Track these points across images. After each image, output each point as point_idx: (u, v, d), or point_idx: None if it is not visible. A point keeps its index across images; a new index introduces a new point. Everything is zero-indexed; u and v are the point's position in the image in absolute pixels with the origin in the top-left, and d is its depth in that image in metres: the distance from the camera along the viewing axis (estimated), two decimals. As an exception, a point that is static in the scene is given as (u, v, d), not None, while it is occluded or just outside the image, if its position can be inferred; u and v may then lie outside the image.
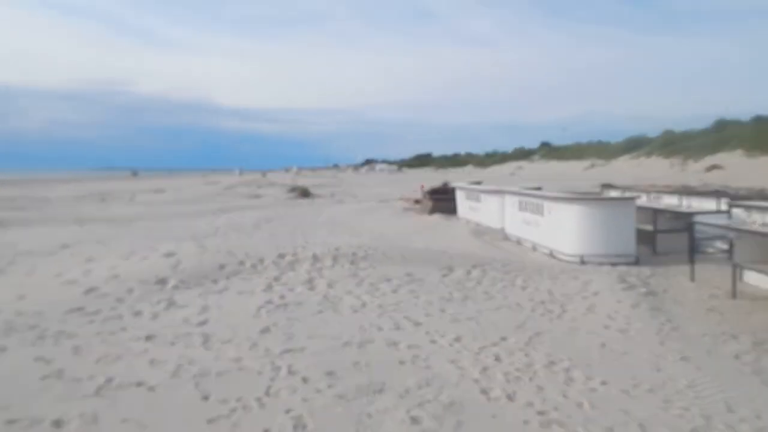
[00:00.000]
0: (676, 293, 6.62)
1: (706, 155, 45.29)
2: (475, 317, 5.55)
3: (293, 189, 27.89)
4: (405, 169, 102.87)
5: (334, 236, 11.23)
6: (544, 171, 64.41)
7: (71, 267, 7.59)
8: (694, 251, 7.80)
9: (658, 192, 12.00)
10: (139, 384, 3.85)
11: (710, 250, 8.84)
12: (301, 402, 3.57)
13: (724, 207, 8.62)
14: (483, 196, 13.29)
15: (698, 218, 8.18)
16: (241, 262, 7.65)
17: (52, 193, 28.26)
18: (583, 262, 8.40)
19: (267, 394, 3.70)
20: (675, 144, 52.67)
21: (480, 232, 12.08)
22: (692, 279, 7.29)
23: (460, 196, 15.25)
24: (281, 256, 7.99)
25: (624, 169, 50.85)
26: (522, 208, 10.53)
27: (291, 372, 4.07)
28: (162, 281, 6.78)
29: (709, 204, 9.40)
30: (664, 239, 9.40)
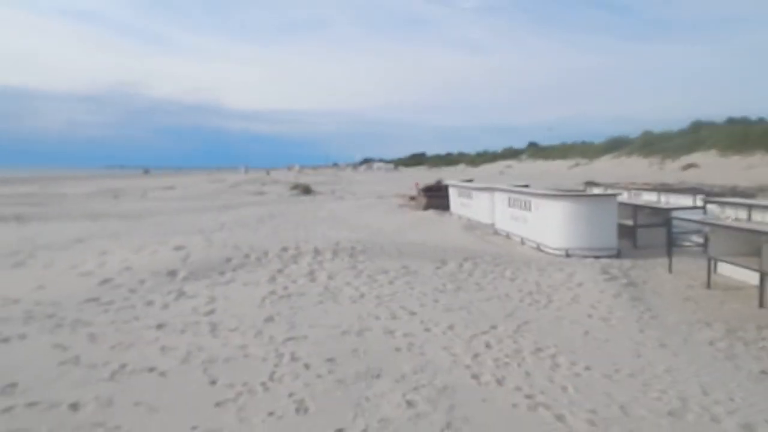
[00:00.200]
0: (655, 284, 6.63)
1: (682, 155, 45.35)
2: (467, 307, 5.56)
3: (295, 186, 27.81)
4: (401, 168, 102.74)
5: (334, 231, 11.22)
6: (531, 170, 64.43)
7: (86, 260, 7.57)
8: (671, 245, 7.83)
9: (638, 189, 12.01)
10: (150, 369, 3.84)
11: (687, 243, 8.86)
12: (303, 386, 3.57)
13: (699, 203, 8.65)
14: (474, 193, 13.29)
15: (675, 214, 8.21)
16: (247, 255, 7.64)
17: (69, 189, 28.17)
18: (568, 255, 8.41)
19: (271, 379, 3.70)
20: (653, 144, 52.70)
21: (471, 227, 12.08)
22: (670, 271, 7.31)
23: (452, 193, 15.24)
24: (284, 249, 7.98)
25: (606, 168, 50.89)
26: (511, 204, 10.53)
27: (294, 358, 4.07)
28: (172, 273, 6.76)
29: (686, 200, 9.42)
30: (643, 233, 9.42)
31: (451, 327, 4.85)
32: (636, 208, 9.57)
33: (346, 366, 3.93)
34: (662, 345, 4.39)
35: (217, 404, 3.31)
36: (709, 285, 6.43)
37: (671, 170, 41.41)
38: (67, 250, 8.41)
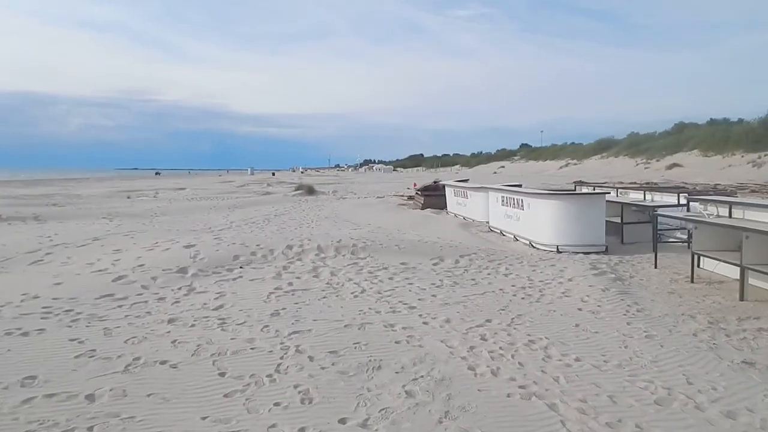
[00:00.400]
0: (641, 278, 6.63)
1: (666, 155, 45.40)
2: (463, 301, 5.55)
3: (299, 187, 27.80)
4: (399, 169, 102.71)
5: (336, 229, 11.22)
6: (523, 170, 64.46)
7: (101, 257, 7.57)
8: (657, 241, 7.83)
9: (625, 188, 12.02)
10: (162, 362, 3.83)
11: (671, 239, 8.86)
12: (307, 378, 3.57)
13: (683, 201, 8.64)
14: (469, 193, 13.29)
15: (660, 211, 8.21)
16: (253, 253, 7.63)
17: (85, 191, 28.14)
18: (558, 251, 8.41)
19: (277, 370, 3.69)
20: (639, 145, 52.75)
21: (467, 225, 12.09)
22: (655, 266, 7.31)
23: (449, 192, 15.24)
24: (289, 247, 7.97)
25: (595, 168, 50.94)
26: (504, 203, 10.53)
27: (298, 351, 4.07)
28: (182, 270, 6.76)
29: (670, 198, 9.41)
30: (630, 230, 9.43)
31: (448, 320, 4.85)
32: (623, 206, 9.57)
33: (349, 358, 3.93)
34: (648, 336, 4.38)
35: (226, 395, 3.31)
36: (692, 279, 6.42)
37: (656, 170, 41.45)
38: (83, 248, 8.40)
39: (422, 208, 16.21)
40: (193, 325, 4.71)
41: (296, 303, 5.46)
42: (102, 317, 4.94)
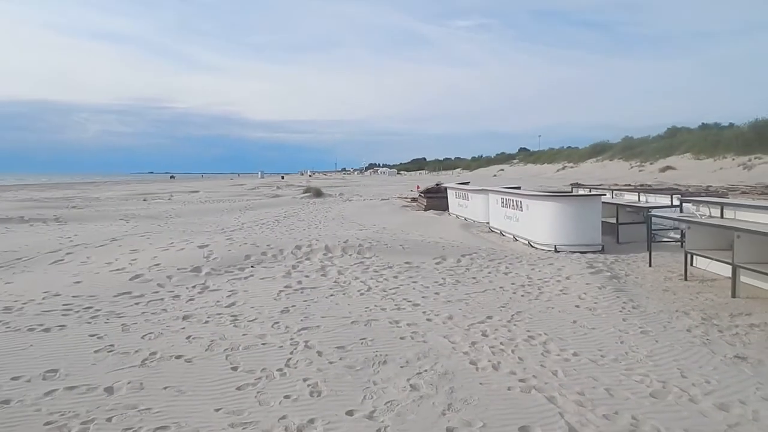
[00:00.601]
0: (637, 276, 6.60)
1: (660, 158, 45.16)
2: (465, 299, 5.54)
3: (307, 189, 27.81)
4: (403, 172, 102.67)
5: (343, 230, 11.23)
6: (522, 173, 64.29)
7: (119, 257, 7.60)
8: (651, 240, 7.79)
9: (620, 190, 11.97)
10: (178, 357, 3.84)
11: (665, 239, 8.82)
12: (316, 372, 3.57)
13: (676, 202, 8.60)
14: (470, 195, 13.26)
15: (654, 212, 8.17)
16: (264, 253, 7.64)
17: (103, 194, 28.29)
18: (556, 251, 8.38)
19: (287, 365, 3.69)
20: (634, 148, 52.50)
21: (468, 225, 12.07)
22: (650, 264, 7.27)
23: (450, 194, 15.22)
24: (298, 247, 7.98)
25: (591, 171, 50.73)
26: (504, 204, 10.50)
27: (307, 346, 4.07)
28: (196, 269, 6.77)
29: (664, 200, 9.37)
30: (625, 230, 9.39)
31: (450, 317, 4.84)
32: (618, 207, 9.54)
33: (356, 353, 3.93)
34: (644, 332, 4.36)
35: (239, 388, 3.31)
36: (686, 277, 6.39)
37: (650, 172, 41.24)
38: (102, 248, 8.44)
39: (425, 210, 16.20)
40: (206, 322, 4.72)
41: (305, 300, 5.46)
42: (120, 314, 4.96)
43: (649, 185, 25.28)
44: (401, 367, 3.66)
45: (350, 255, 7.71)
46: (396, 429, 2.79)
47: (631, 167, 46.85)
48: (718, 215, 6.44)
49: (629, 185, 23.47)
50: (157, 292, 5.80)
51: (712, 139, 41.55)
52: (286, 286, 6.02)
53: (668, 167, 40.81)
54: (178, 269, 6.71)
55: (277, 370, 3.58)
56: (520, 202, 9.65)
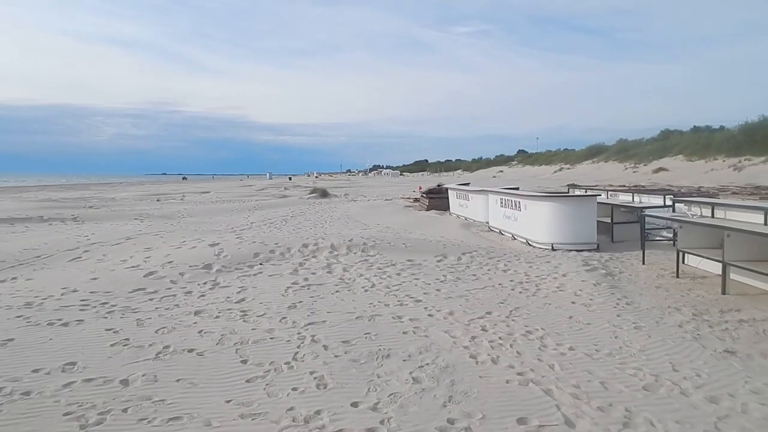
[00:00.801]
0: (630, 274, 6.58)
1: (653, 160, 44.99)
2: (465, 295, 5.54)
3: (314, 190, 27.81)
4: (406, 174, 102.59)
5: (348, 229, 11.24)
6: (521, 174, 64.17)
7: (134, 255, 7.63)
8: (644, 239, 7.77)
9: (615, 190, 11.93)
10: (190, 350, 3.86)
11: (658, 238, 8.79)
12: (322, 365, 3.58)
13: (669, 202, 8.58)
14: (471, 195, 13.25)
15: (648, 212, 8.15)
16: (272, 251, 7.66)
17: (118, 194, 28.39)
18: (553, 249, 8.37)
19: (294, 358, 3.71)
20: (628, 150, 52.32)
21: (468, 225, 12.06)
22: (643, 262, 7.26)
23: (451, 195, 15.21)
24: (305, 245, 8.00)
25: (586, 172, 50.58)
26: (503, 204, 10.49)
27: (314, 341, 4.08)
28: (208, 266, 6.79)
29: (657, 200, 9.34)
30: (620, 229, 9.37)
31: (451, 313, 4.84)
32: (613, 207, 9.51)
33: (360, 347, 3.93)
34: (637, 327, 4.35)
35: (248, 380, 3.33)
36: (678, 274, 6.37)
37: (644, 173, 41.10)
38: (117, 246, 8.47)
39: (427, 210, 16.19)
40: (217, 317, 4.74)
41: (312, 297, 5.47)
42: (135, 309, 4.98)
43: (643, 186, 25.19)
44: (404, 360, 3.67)
45: (355, 253, 7.71)
46: (399, 420, 2.80)
47: (626, 169, 46.69)
48: (709, 215, 6.42)
49: (624, 186, 23.40)
50: (170, 288, 5.82)
51: (703, 142, 41.39)
52: (293, 283, 6.03)
53: (661, 168, 40.66)
54: (190, 266, 6.73)
55: (285, 364, 3.59)
56: (519, 202, 9.64)
